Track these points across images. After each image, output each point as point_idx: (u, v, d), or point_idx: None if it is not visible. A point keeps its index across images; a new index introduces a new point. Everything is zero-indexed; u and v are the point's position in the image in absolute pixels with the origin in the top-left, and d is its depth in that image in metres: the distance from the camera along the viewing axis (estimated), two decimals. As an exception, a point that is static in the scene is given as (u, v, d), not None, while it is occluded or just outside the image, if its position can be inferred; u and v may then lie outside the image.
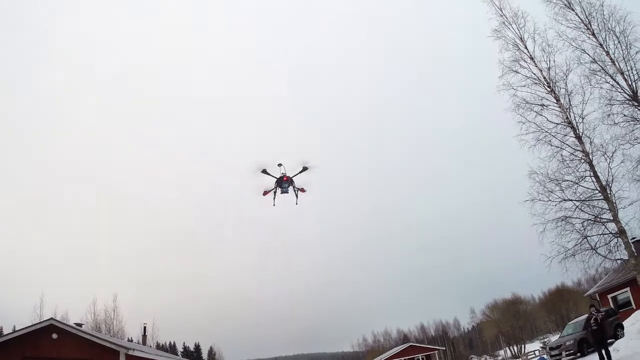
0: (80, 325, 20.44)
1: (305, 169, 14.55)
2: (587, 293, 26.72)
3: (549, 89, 17.59)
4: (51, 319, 17.83)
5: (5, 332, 40.45)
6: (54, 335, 16.72)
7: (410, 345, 53.52)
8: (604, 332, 16.01)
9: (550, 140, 17.32)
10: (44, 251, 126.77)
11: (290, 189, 14.15)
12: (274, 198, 13.87)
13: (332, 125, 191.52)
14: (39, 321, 18.49)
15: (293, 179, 14.36)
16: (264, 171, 14.83)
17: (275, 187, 14.05)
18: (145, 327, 38.57)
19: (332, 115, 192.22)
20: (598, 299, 25.45)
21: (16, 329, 17.91)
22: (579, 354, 19.82)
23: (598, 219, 16.59)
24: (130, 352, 17.07)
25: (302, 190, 14.60)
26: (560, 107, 17.29)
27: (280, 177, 14.32)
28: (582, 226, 16.76)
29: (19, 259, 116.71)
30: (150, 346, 45.89)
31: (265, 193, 14.80)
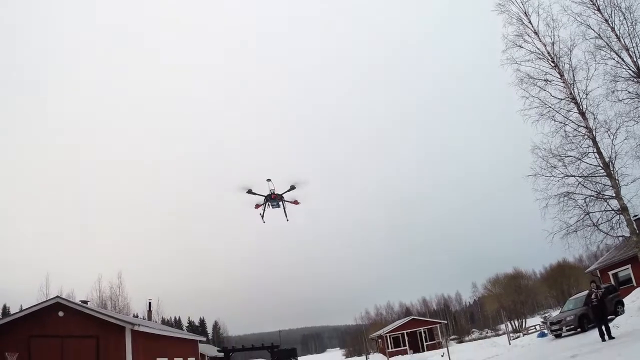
0: (85, 302, 20.80)
1: (293, 187, 14.46)
2: (588, 269, 26.86)
3: (553, 64, 17.48)
4: (57, 297, 18.10)
5: (12, 311, 40.92)
6: (60, 313, 16.94)
7: (413, 318, 54.07)
8: (604, 308, 16.09)
9: (553, 116, 17.34)
10: (50, 229, 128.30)
11: (281, 204, 14.10)
12: (263, 215, 13.70)
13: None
14: (45, 300, 18.57)
15: (282, 195, 14.33)
16: (250, 191, 14.76)
17: (265, 203, 13.90)
18: (150, 303, 39.21)
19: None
20: (599, 275, 25.61)
21: (23, 308, 18.03)
22: (579, 330, 19.97)
23: (600, 196, 16.65)
24: (136, 328, 17.22)
25: (296, 202, 14.56)
26: (564, 82, 17.20)
27: (268, 194, 14.33)
28: (585, 202, 16.86)
29: (25, 238, 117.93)
30: (156, 321, 46.46)
31: (257, 206, 14.70)
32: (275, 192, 14.42)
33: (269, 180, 15.00)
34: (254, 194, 14.48)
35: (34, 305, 17.48)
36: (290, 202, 14.40)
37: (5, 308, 75.91)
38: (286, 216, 13.91)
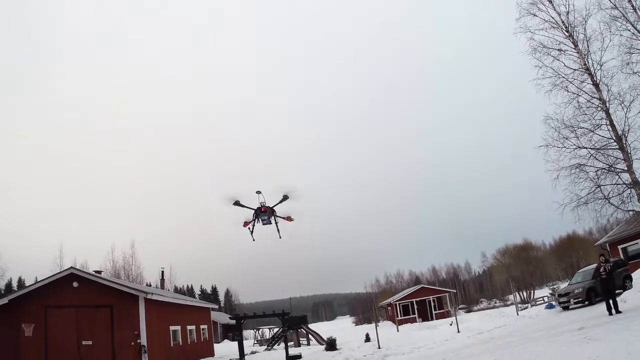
0: (99, 272, 21.06)
1: (286, 197, 13.44)
2: (598, 242, 26.80)
3: (567, 34, 17.15)
4: (71, 267, 18.34)
5: (27, 283, 41.81)
6: (75, 284, 17.28)
7: (422, 287, 54.38)
8: (612, 282, 16.09)
9: (567, 86, 17.08)
10: (62, 200, 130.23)
11: (272, 219, 13.02)
12: (252, 232, 12.60)
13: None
14: (59, 271, 18.93)
15: (274, 208, 13.31)
16: (237, 203, 13.64)
17: (254, 219, 12.83)
18: (163, 272, 39.63)
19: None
20: (608, 249, 25.56)
21: (38, 280, 18.40)
22: (587, 303, 20.02)
23: (612, 169, 16.52)
24: (149, 296, 17.52)
25: (289, 219, 13.53)
26: (578, 52, 16.90)
27: (258, 207, 13.27)
28: (596, 175, 16.77)
29: (38, 210, 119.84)
30: (168, 290, 47.09)
31: (245, 224, 13.61)
32: (266, 205, 13.39)
33: (259, 192, 13.92)
34: (243, 206, 13.47)
35: (49, 277, 17.85)
36: (283, 217, 13.53)
37: (20, 280, 77.74)
38: (278, 233, 12.88)
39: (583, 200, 16.82)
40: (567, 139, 17.15)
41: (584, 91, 16.80)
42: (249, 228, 12.77)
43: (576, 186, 17.05)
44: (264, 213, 12.72)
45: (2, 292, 52.16)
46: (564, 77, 16.99)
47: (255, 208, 13.20)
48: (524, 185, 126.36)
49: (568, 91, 17.02)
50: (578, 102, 16.88)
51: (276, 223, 12.56)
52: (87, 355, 16.76)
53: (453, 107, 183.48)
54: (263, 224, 12.92)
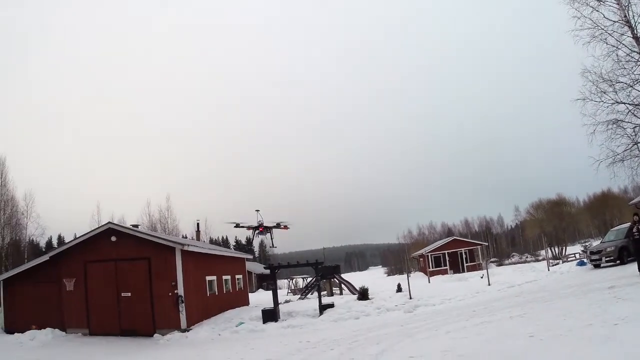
0: (136, 226, 21.46)
1: (278, 225, 15.52)
2: (632, 202, 26.12)
3: (606, -16, 16.29)
4: (109, 222, 18.87)
5: (67, 240, 43.43)
6: (113, 238, 17.72)
7: (454, 239, 54.70)
8: (645, 243, 15.85)
9: (606, 39, 16.30)
10: (98, 155, 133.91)
11: (269, 233, 14.59)
12: (252, 240, 14.85)
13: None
14: (97, 226, 19.52)
15: (270, 227, 14.71)
16: (238, 225, 16.16)
17: (253, 233, 14.66)
18: (198, 224, 40.33)
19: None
20: (643, 208, 24.95)
21: (77, 236, 19.10)
22: (618, 262, 19.80)
23: (651, 126, 16.03)
24: (185, 248, 17.82)
25: (285, 227, 14.96)
26: (618, 4, 16.06)
27: (256, 226, 14.69)
28: (634, 131, 16.33)
29: (75, 169, 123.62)
30: (204, 241, 48.34)
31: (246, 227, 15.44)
32: (264, 225, 15.49)
33: (257, 210, 16.42)
34: (242, 227, 15.49)
35: (88, 233, 18.38)
36: (280, 227, 14.93)
37: (60, 237, 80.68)
38: (272, 242, 14.46)
39: (619, 157, 16.43)
40: (604, 93, 16.60)
41: (623, 44, 16.04)
42: (249, 235, 14.56)
43: (612, 142, 16.64)
44: (261, 232, 15.00)
45: (43, 249, 54.58)
46: (603, 29, 16.22)
47: (254, 226, 14.95)
48: (560, 140, 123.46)
49: (607, 44, 16.28)
50: (617, 55, 16.17)
51: (271, 237, 14.06)
52: (126, 306, 17.45)
53: (500, 68, 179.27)
54: (259, 237, 14.73)
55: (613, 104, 16.49)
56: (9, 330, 17.79)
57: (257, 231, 14.96)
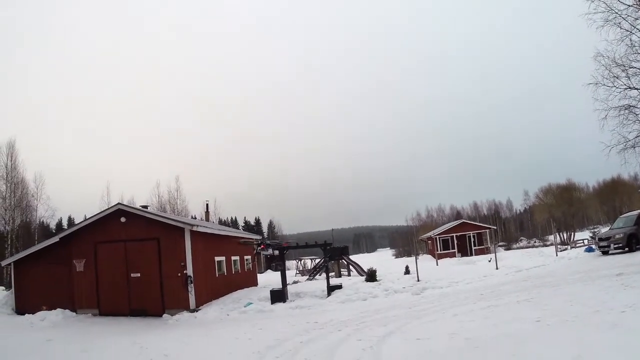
0: (146, 207, 21.52)
1: (280, 247, 16.87)
2: (642, 189, 25.95)
3: (621, -34, 15.94)
4: (118, 204, 18.86)
5: (77, 221, 43.85)
6: (122, 219, 17.76)
7: (463, 222, 54.35)
8: (654, 230, 15.81)
9: (620, 23, 15.95)
10: (108, 141, 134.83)
11: (270, 250, 16.04)
12: (256, 254, 15.69)
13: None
14: (107, 207, 19.59)
15: (271, 245, 16.46)
16: (244, 242, 18.06)
17: (256, 249, 16.34)
18: (207, 205, 40.89)
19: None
20: (653, 196, 24.80)
21: (87, 217, 19.22)
22: (627, 249, 19.76)
23: (664, 114, 15.84)
24: (194, 229, 17.81)
25: (286, 244, 16.74)
26: (633, -13, 15.74)
27: (258, 244, 16.97)
28: (646, 118, 16.13)
29: (85, 151, 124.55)
30: (213, 222, 48.37)
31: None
32: (265, 242, 16.89)
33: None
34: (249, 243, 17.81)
35: (98, 214, 18.38)
36: (281, 244, 17.02)
37: (70, 219, 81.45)
38: (272, 252, 15.51)
39: (631, 144, 16.29)
40: (617, 78, 16.38)
41: (637, 29, 15.72)
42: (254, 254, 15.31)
43: (624, 128, 16.47)
44: (263, 249, 16.03)
45: (54, 231, 55.15)
46: (617, 13, 15.84)
47: (256, 245, 17.31)
48: (570, 125, 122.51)
49: (621, 28, 15.93)
50: (631, 40, 15.88)
51: (273, 252, 15.63)
52: (136, 287, 17.60)
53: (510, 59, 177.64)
54: (262, 254, 15.98)
55: (625, 89, 16.28)
56: (20, 311, 18.00)
57: (258, 250, 16.18)
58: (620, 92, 16.35)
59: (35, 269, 18.52)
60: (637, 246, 19.05)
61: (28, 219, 37.86)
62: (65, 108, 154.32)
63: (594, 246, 24.31)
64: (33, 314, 16.91)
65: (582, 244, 32.81)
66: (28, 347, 11.43)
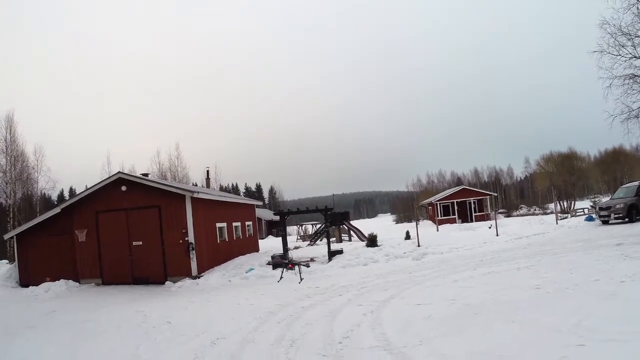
0: (146, 175, 21.41)
1: (307, 264, 16.51)
2: (644, 159, 25.88)
3: None
4: (119, 172, 18.73)
5: (78, 192, 44.01)
6: (123, 188, 17.79)
7: (463, 188, 54.12)
8: (655, 200, 15.80)
9: (627, -10, 15.73)
10: (108, 109, 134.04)
11: (296, 268, 15.69)
12: (281, 277, 15.20)
13: None
14: (108, 177, 19.44)
15: (300, 263, 15.95)
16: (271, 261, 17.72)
17: (283, 269, 15.74)
18: (208, 172, 40.78)
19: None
20: (654, 166, 24.73)
21: (88, 187, 19.19)
22: (627, 219, 19.81)
23: (669, 84, 15.65)
24: (195, 195, 17.76)
25: (307, 265, 16.27)
26: (641, -47, 15.36)
27: (286, 262, 16.40)
28: (651, 88, 15.96)
29: (86, 119, 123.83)
30: (214, 188, 48.51)
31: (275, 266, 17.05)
32: (293, 261, 16.60)
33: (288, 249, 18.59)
34: (276, 262, 17.36)
35: (98, 183, 18.34)
36: (304, 265, 16.27)
37: (71, 190, 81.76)
38: (300, 276, 14.92)
39: (634, 113, 16.18)
40: (623, 46, 16.17)
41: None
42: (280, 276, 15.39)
43: (628, 97, 16.35)
44: (291, 268, 15.87)
45: (55, 203, 55.31)
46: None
47: (285, 262, 16.75)
48: (574, 92, 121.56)
49: (628, -5, 15.70)
50: (638, 8, 15.64)
51: (300, 271, 15.20)
52: (138, 255, 17.75)
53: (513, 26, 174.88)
54: (287, 270, 15.88)
55: (631, 58, 16.08)
56: (24, 283, 18.27)
57: (286, 267, 16.37)
58: (625, 61, 16.19)
59: (38, 241, 18.68)
60: (638, 217, 19.08)
61: (29, 192, 37.92)
62: (65, 78, 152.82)
63: (594, 215, 24.37)
64: (37, 285, 17.21)
65: (583, 212, 32.90)
66: (33, 319, 11.56)
